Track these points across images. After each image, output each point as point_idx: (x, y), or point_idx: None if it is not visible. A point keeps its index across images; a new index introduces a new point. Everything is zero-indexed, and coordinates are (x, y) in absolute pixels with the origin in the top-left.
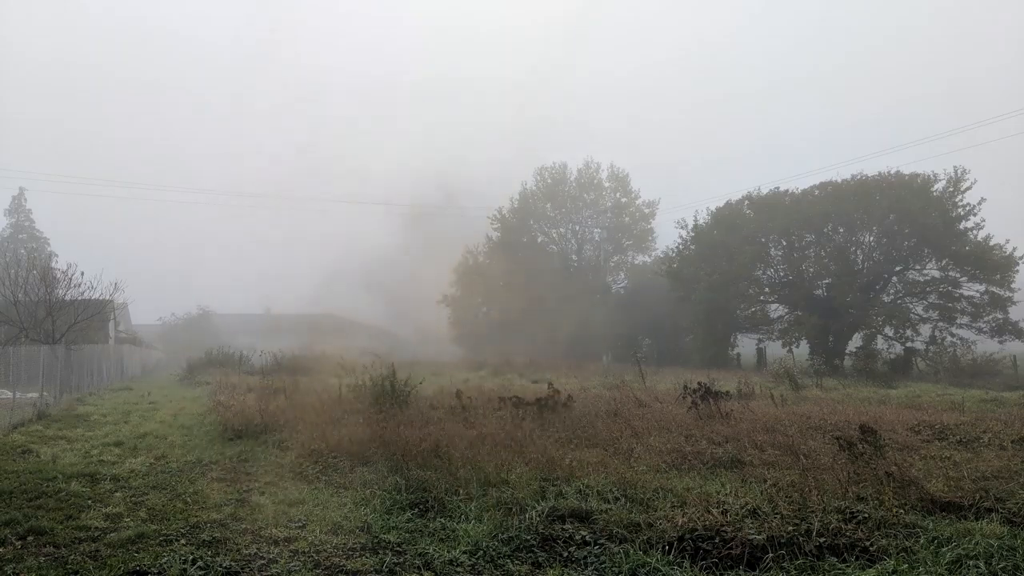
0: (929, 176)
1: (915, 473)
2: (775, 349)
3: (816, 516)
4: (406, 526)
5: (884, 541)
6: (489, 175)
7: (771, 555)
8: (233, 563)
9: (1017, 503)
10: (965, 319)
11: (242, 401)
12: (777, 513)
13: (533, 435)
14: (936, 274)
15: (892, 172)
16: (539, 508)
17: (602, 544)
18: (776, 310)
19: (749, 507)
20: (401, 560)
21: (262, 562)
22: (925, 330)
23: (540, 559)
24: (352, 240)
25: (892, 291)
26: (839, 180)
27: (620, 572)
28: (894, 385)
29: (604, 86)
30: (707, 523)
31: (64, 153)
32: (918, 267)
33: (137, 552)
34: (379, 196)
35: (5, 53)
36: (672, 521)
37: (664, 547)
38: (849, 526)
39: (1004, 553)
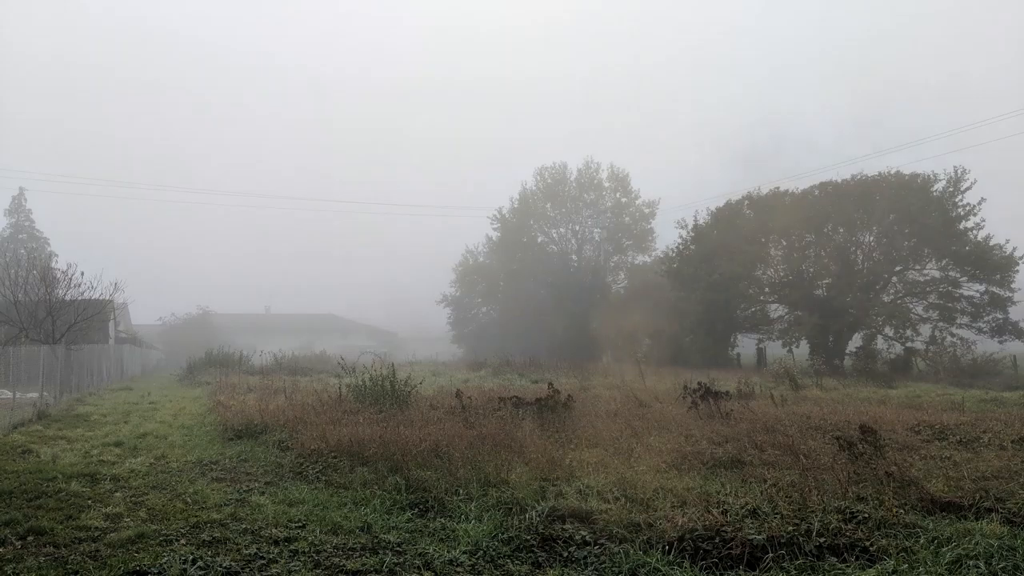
0: (929, 176)
1: (915, 473)
2: (775, 349)
3: (816, 516)
4: (406, 526)
5: (884, 541)
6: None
7: (771, 555)
8: (233, 563)
9: (1017, 503)
10: (965, 319)
11: (242, 401)
12: (777, 513)
13: (533, 435)
14: (936, 274)
15: (892, 172)
16: (539, 508)
17: (602, 544)
18: (776, 310)
19: (749, 507)
20: (401, 560)
21: (262, 562)
22: (925, 330)
23: (540, 559)
24: (351, 240)
25: (892, 291)
26: (839, 180)
27: (620, 572)
28: (894, 385)
29: (604, 86)
30: (707, 523)
31: (64, 153)
32: (918, 267)
33: (137, 552)
34: (377, 196)
35: (5, 53)
36: (672, 521)
37: (664, 547)
38: (849, 526)
39: (1004, 553)
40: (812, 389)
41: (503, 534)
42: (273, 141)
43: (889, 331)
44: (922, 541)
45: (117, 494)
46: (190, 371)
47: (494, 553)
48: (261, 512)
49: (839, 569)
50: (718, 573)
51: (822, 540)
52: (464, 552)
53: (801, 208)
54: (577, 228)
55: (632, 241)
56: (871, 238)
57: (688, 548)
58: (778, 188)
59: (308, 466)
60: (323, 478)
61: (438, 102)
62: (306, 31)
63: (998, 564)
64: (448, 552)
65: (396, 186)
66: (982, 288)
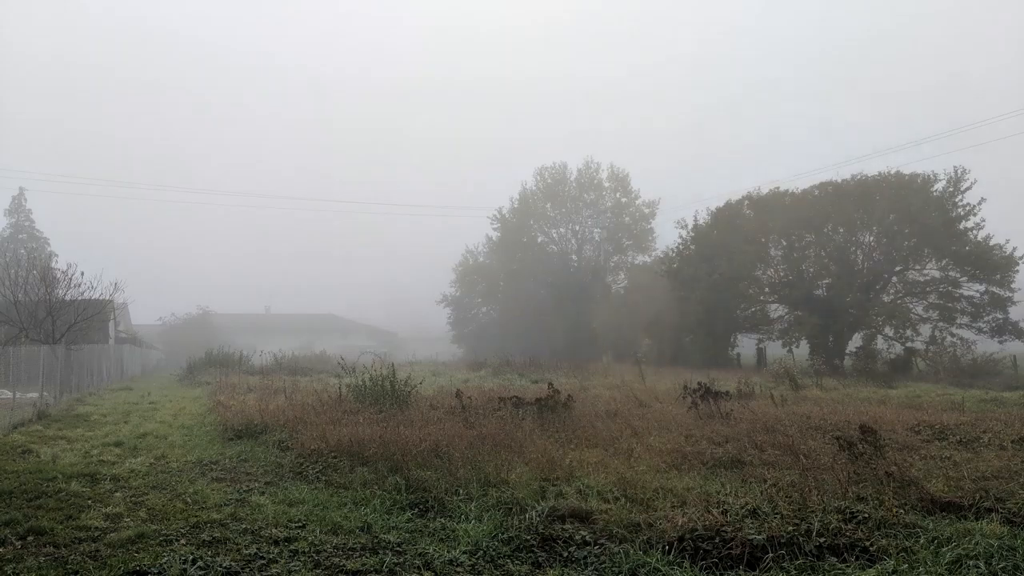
0: (929, 176)
1: (915, 473)
2: (775, 349)
3: (816, 516)
4: (406, 526)
5: (884, 541)
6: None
7: (771, 555)
8: (233, 563)
9: (1017, 503)
10: (965, 319)
11: (242, 401)
12: (777, 513)
13: (533, 435)
14: (936, 274)
15: (892, 172)
16: (539, 508)
17: (602, 544)
18: (776, 310)
19: (749, 507)
20: (401, 560)
21: (262, 562)
22: (925, 330)
23: (540, 559)
24: (351, 240)
25: (892, 291)
26: (839, 180)
27: (620, 572)
28: (894, 385)
29: (603, 87)
30: (707, 523)
31: (64, 153)
32: (918, 267)
33: (137, 552)
34: (377, 196)
35: (5, 53)
36: (672, 521)
37: (664, 547)
38: (849, 526)
39: (1004, 553)
40: (812, 389)
41: (503, 534)
42: (273, 141)
43: (889, 331)
44: (922, 541)
45: (117, 494)
46: (190, 371)
47: (494, 553)
48: (261, 512)
49: (839, 569)
50: (718, 573)
51: (822, 540)
52: (464, 552)
53: (801, 208)
54: (577, 228)
55: (632, 241)
56: (871, 238)
57: (688, 548)
58: (778, 188)
59: (308, 466)
60: (323, 478)
61: (438, 102)
62: (306, 31)
63: (998, 564)
64: (448, 552)
65: (396, 186)
66: (982, 288)
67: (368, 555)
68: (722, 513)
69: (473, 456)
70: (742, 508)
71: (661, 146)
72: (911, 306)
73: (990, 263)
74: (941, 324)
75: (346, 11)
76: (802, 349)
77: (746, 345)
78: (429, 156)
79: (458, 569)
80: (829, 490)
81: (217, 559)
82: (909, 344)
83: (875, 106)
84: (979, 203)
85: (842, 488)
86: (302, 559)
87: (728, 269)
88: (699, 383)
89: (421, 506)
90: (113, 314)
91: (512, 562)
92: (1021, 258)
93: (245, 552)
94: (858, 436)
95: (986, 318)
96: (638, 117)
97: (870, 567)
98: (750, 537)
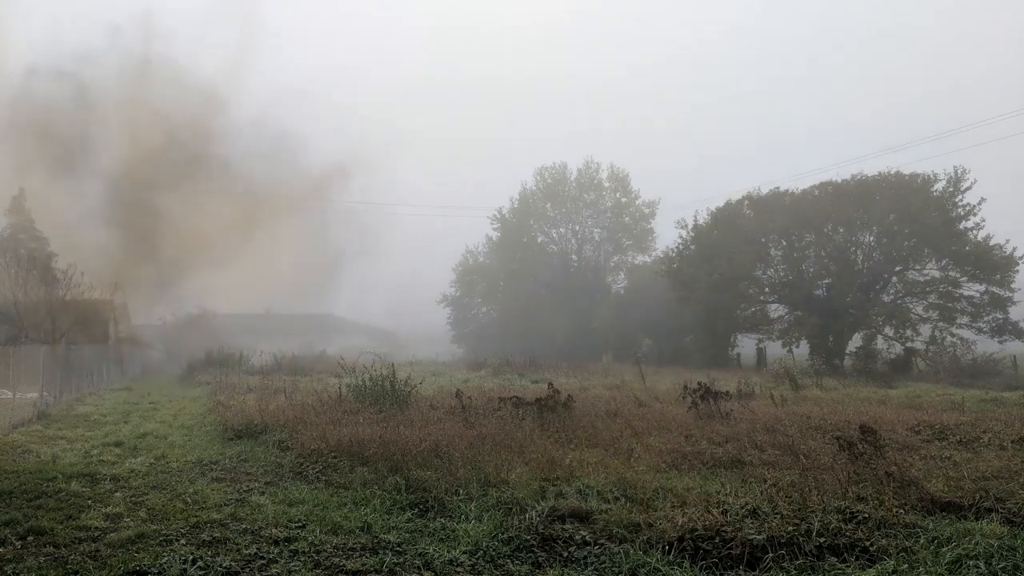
0: (929, 176)
1: (915, 473)
2: (775, 349)
3: (816, 516)
4: (406, 526)
5: (884, 541)
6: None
7: (771, 555)
8: (233, 563)
9: (1017, 503)
10: (965, 319)
11: (242, 401)
12: (777, 513)
13: (533, 435)
14: (936, 274)
15: (892, 172)
16: (539, 508)
17: (602, 544)
18: (776, 310)
19: (749, 507)
20: (401, 560)
21: (262, 562)
22: (925, 330)
23: (540, 559)
24: (350, 240)
25: (892, 291)
26: (839, 180)
27: (620, 572)
28: (894, 385)
29: (603, 87)
30: (707, 523)
31: None
32: (918, 267)
33: (137, 552)
34: (377, 196)
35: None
36: (672, 521)
37: (664, 547)
38: (849, 526)
39: (1004, 553)
40: (812, 389)
41: (503, 534)
42: (272, 140)
43: (889, 331)
44: (922, 541)
45: (117, 494)
46: (190, 371)
47: (494, 553)
48: (261, 512)
49: (839, 569)
50: (718, 573)
51: (822, 540)
52: (464, 552)
53: (801, 208)
54: (577, 228)
55: (632, 241)
56: (871, 238)
57: (688, 548)
58: (778, 188)
59: (308, 466)
60: (323, 478)
61: (438, 102)
62: (306, 31)
63: (998, 564)
64: (448, 552)
65: (396, 186)
66: (982, 288)
67: (368, 555)
68: (722, 513)
69: (473, 456)
70: (742, 508)
71: (661, 146)
72: (911, 306)
73: (990, 263)
74: (941, 324)
75: (346, 11)
76: (802, 349)
77: (746, 345)
78: (429, 156)
79: (458, 569)
80: (829, 490)
81: (217, 559)
82: (909, 344)
83: (875, 106)
84: (979, 203)
85: (842, 488)
86: (302, 559)
87: (728, 269)
88: (699, 383)
89: (421, 506)
90: (113, 314)
91: (512, 562)
92: (1021, 258)
93: (245, 552)
94: (858, 436)
95: (986, 318)
96: (638, 117)
97: (870, 567)
98: (750, 537)
